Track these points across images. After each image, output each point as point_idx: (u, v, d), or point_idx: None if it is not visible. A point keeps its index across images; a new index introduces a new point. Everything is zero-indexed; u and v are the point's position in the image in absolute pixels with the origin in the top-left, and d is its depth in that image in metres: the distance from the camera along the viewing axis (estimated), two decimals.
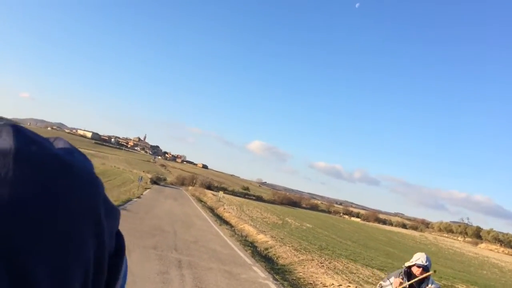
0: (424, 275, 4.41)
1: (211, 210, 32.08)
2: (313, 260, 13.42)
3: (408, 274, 4.54)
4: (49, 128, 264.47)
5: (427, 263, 4.46)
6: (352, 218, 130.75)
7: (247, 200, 65.26)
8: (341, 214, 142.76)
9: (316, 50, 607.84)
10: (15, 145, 0.42)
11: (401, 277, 4.53)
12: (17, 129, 0.44)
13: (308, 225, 36.21)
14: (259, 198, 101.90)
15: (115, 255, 0.50)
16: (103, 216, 0.47)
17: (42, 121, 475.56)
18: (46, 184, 0.41)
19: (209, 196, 48.68)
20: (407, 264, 4.61)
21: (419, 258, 4.51)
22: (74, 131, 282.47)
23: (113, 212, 0.50)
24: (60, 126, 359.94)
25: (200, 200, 42.14)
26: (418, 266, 4.47)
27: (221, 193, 45.96)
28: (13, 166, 0.40)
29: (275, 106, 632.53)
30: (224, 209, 33.15)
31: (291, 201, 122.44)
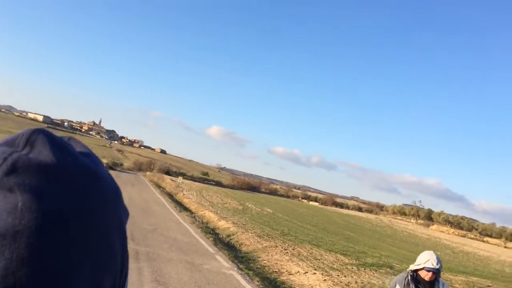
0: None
1: (170, 196, 31.26)
2: (276, 246, 13.11)
3: (416, 280, 3.71)
4: None
5: (439, 265, 3.60)
6: (311, 203, 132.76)
7: (207, 186, 64.41)
8: (300, 198, 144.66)
9: (273, 33, 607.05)
10: (56, 160, 0.42)
11: (406, 281, 3.75)
12: (50, 139, 0.44)
13: (268, 210, 36.13)
14: (218, 183, 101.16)
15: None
16: (124, 222, 0.49)
17: None
18: (84, 198, 0.42)
19: (167, 181, 47.56)
20: (413, 267, 3.76)
21: (428, 259, 3.61)
22: (24, 114, 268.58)
23: (127, 215, 0.51)
24: (9, 109, 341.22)
25: (158, 186, 41.06)
26: (428, 270, 3.61)
27: (180, 179, 45.00)
28: (55, 181, 0.41)
29: (234, 91, 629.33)
30: (184, 194, 32.42)
31: (251, 186, 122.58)
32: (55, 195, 0.40)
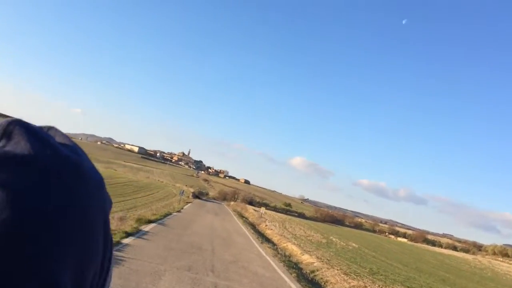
0: None
1: (253, 226, 30.95)
2: (366, 287, 11.94)
3: None
4: (98, 143, 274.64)
5: None
6: (399, 239, 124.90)
7: (289, 217, 63.49)
8: (387, 233, 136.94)
9: (360, 68, 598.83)
10: (33, 152, 0.40)
11: None
12: (28, 129, 0.42)
13: (354, 244, 34.20)
14: (301, 215, 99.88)
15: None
16: (108, 213, 0.47)
17: (93, 135, 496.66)
18: (65, 190, 0.40)
19: (250, 211, 47.60)
20: None
21: None
22: (122, 145, 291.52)
23: (110, 205, 0.49)
24: (109, 141, 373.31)
25: (241, 216, 41.13)
26: None
27: (263, 209, 44.76)
28: (34, 175, 0.39)
29: (318, 123, 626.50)
30: (266, 225, 31.93)
31: (334, 218, 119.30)
32: (34, 190, 0.38)
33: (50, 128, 0.48)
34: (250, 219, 38.82)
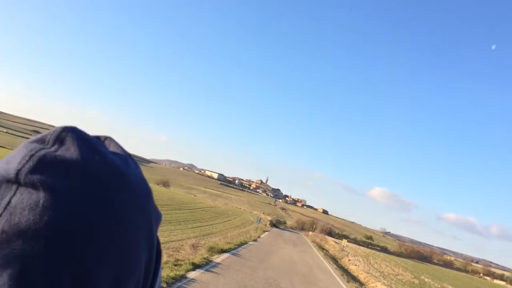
0: None
1: (335, 260, 28.33)
2: None
3: None
4: (181, 169, 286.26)
5: None
6: (495, 281, 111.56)
7: (373, 251, 59.01)
8: (481, 274, 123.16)
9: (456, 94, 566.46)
10: (81, 158, 0.41)
11: None
12: (80, 137, 0.44)
13: (450, 287, 29.99)
14: (384, 249, 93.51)
15: (155, 261, 0.50)
16: (154, 226, 0.48)
17: (176, 162, 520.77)
18: (107, 198, 0.41)
19: (331, 243, 44.64)
20: None
21: None
22: (202, 172, 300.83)
23: (158, 219, 0.50)
24: (191, 167, 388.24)
25: (321, 248, 38.46)
26: None
27: (344, 241, 41.67)
28: (80, 180, 0.40)
29: (400, 152, 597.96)
30: (349, 260, 29.14)
31: (421, 255, 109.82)
32: (79, 194, 0.40)
33: (107, 138, 0.50)
34: (331, 252, 36.07)
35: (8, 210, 0.39)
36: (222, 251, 14.19)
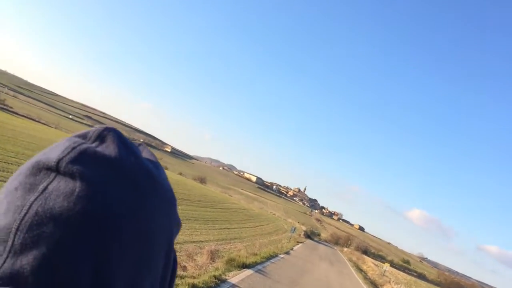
0: None
1: (375, 286, 24.71)
2: None
3: None
4: (221, 168, 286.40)
5: None
6: None
7: (413, 278, 54.17)
8: None
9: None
10: (119, 157, 0.44)
11: None
12: (119, 137, 0.47)
13: None
14: (421, 276, 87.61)
15: (173, 267, 0.52)
16: (174, 233, 0.50)
17: (217, 161, 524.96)
18: (139, 198, 0.44)
19: (369, 265, 40.64)
20: None
21: None
22: (241, 173, 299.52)
23: (179, 227, 0.52)
24: (230, 167, 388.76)
25: (359, 269, 34.72)
26: None
27: (386, 265, 37.46)
28: (116, 176, 0.43)
29: (445, 176, 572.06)
30: None
31: (460, 286, 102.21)
32: (112, 189, 0.42)
33: (141, 144, 0.53)
34: (370, 275, 32.29)
35: (44, 194, 0.41)
36: (244, 265, 11.32)
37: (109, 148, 0.45)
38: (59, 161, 0.42)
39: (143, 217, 0.44)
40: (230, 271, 9.94)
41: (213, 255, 10.86)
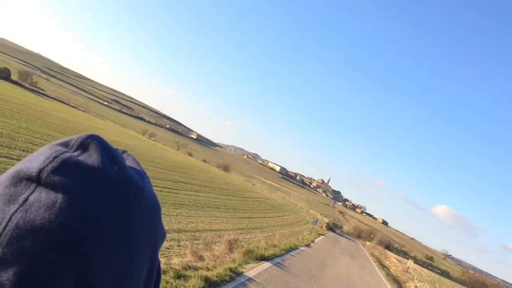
0: None
1: (398, 284, 24.08)
2: None
3: None
4: (245, 157, 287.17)
5: None
6: None
7: (437, 276, 52.90)
8: None
9: None
10: (102, 166, 0.43)
11: None
12: (102, 145, 0.46)
13: None
14: (444, 273, 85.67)
15: (156, 278, 0.51)
16: (158, 244, 0.49)
17: (241, 149, 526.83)
18: (123, 208, 0.43)
19: (392, 260, 39.80)
20: None
21: None
22: (265, 162, 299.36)
23: (163, 238, 0.51)
24: (255, 157, 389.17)
25: (381, 264, 34.03)
26: None
27: (410, 262, 36.52)
28: (98, 186, 0.42)
29: (473, 172, 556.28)
30: (416, 286, 24.68)
31: (485, 285, 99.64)
32: (95, 200, 0.41)
33: (124, 151, 0.52)
34: (392, 271, 31.58)
35: (24, 206, 0.40)
36: (262, 258, 10.99)
37: (91, 157, 0.44)
38: (40, 171, 0.41)
39: (126, 228, 0.43)
40: (248, 263, 9.66)
41: (231, 245, 10.61)
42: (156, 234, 0.48)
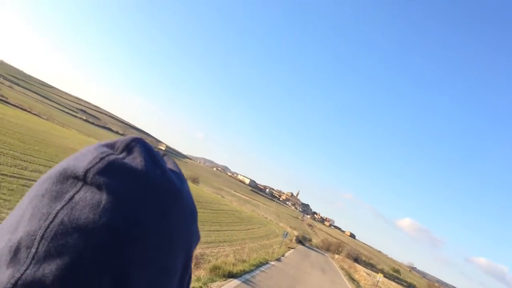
0: None
1: None
2: None
3: None
4: (214, 169, 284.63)
5: None
6: None
7: None
8: None
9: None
10: (145, 169, 0.44)
11: None
12: (146, 149, 0.47)
13: None
14: (411, 286, 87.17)
15: (188, 279, 0.52)
16: (193, 247, 0.50)
17: (211, 161, 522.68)
18: (163, 211, 0.43)
19: (361, 274, 39.62)
20: None
21: None
22: (235, 175, 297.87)
23: (197, 241, 0.52)
24: (225, 169, 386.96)
25: (351, 278, 33.68)
26: None
27: (380, 276, 36.31)
28: (141, 189, 0.42)
29: (435, 186, 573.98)
30: None
31: None
32: (138, 202, 0.42)
33: (165, 154, 0.53)
34: (362, 284, 31.28)
35: (70, 204, 0.41)
36: (230, 275, 10.22)
37: (136, 160, 0.44)
38: (87, 171, 0.42)
39: (166, 230, 0.44)
40: (214, 281, 8.86)
41: (197, 260, 9.81)
42: (192, 237, 0.49)
